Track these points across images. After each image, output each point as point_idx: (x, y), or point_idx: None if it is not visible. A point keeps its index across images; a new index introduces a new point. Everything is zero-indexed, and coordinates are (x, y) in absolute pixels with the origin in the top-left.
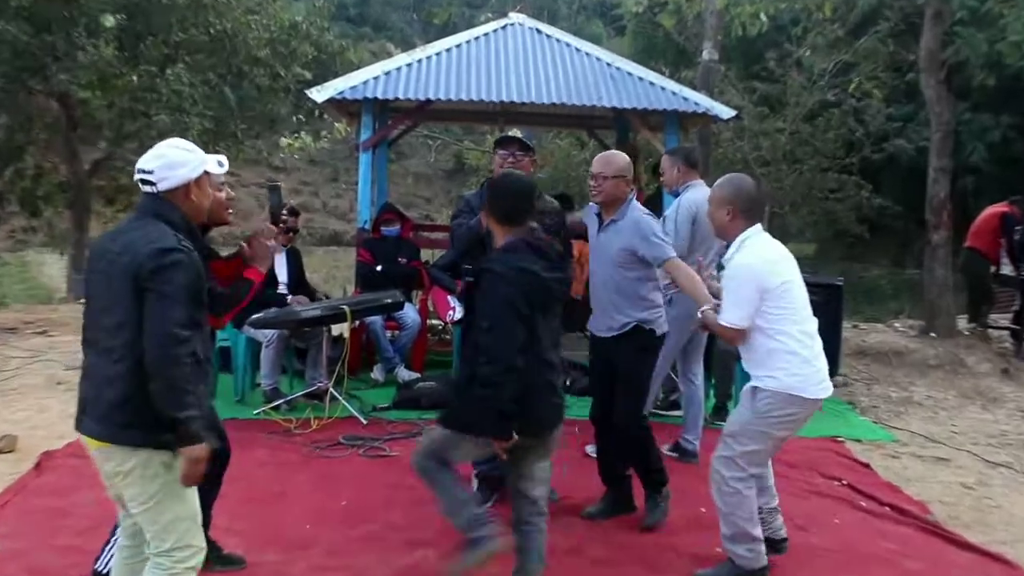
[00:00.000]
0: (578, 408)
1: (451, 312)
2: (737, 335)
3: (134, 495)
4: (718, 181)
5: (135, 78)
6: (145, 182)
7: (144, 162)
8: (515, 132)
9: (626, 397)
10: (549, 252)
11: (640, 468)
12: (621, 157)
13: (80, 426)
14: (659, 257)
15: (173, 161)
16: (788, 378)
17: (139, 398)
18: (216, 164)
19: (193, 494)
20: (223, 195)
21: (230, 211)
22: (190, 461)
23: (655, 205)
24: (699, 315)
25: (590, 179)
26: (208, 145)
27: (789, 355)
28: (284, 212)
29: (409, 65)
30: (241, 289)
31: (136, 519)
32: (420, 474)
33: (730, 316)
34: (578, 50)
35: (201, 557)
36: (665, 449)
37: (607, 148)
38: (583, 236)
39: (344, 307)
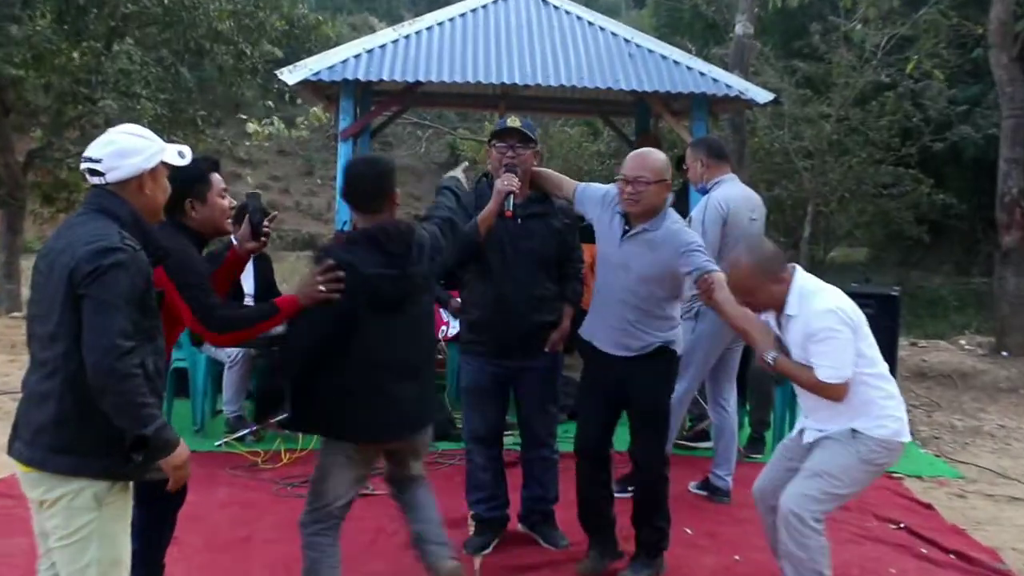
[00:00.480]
0: None
1: (444, 327)
2: (844, 390)
3: (56, 527)
4: (738, 258)
5: (77, 56)
6: (93, 172)
7: (92, 150)
8: (514, 121)
9: (651, 432)
10: (393, 248)
11: (644, 522)
12: (660, 157)
13: (10, 448)
14: (702, 268)
15: (125, 149)
16: (895, 424)
17: (75, 419)
18: (176, 154)
19: (124, 540)
20: (227, 203)
21: (230, 220)
22: (175, 468)
23: (681, 203)
24: (769, 362)
25: (623, 184)
26: (162, 133)
27: (888, 400)
28: (266, 224)
29: (395, 41)
30: (262, 313)
31: (54, 558)
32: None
33: (839, 372)
34: (591, 24)
35: None
36: (692, 487)
37: (624, 137)
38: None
39: None
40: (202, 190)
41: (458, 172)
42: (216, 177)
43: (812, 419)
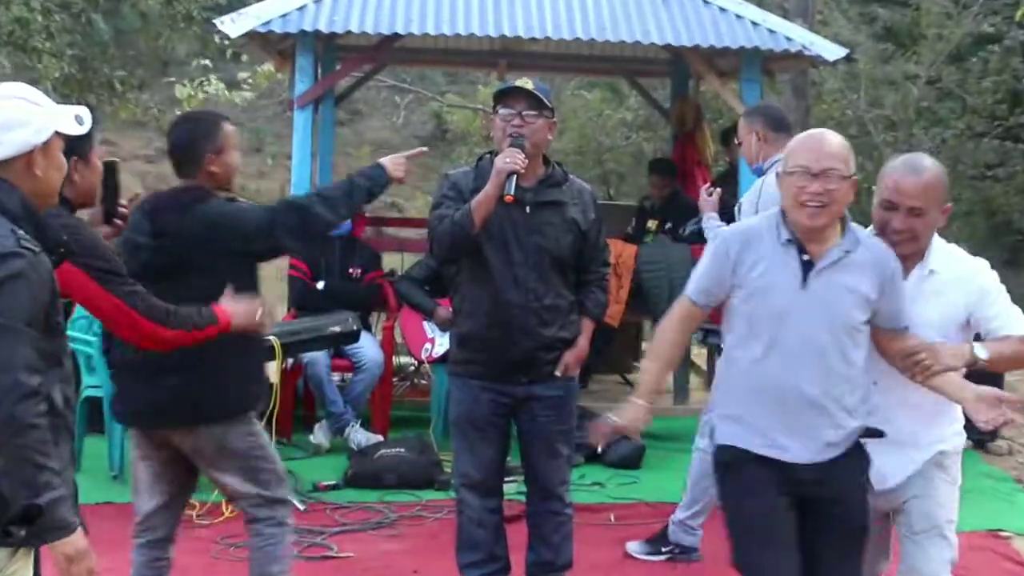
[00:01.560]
0: (616, 487)
1: (428, 345)
2: None
3: None
4: (920, 162)
5: None
6: None
7: None
8: (524, 82)
9: (855, 556)
10: (161, 216)
11: None
12: (844, 141)
13: None
14: (903, 319)
15: (8, 119)
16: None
17: None
18: (73, 120)
19: None
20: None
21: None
22: (68, 559)
23: (731, 188)
24: (981, 357)
25: (805, 181)
26: (70, 98)
27: None
28: (124, 204)
29: None
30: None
31: None
32: None
33: None
34: None
35: None
36: None
37: (655, 103)
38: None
39: (271, 339)
40: (85, 148)
41: (388, 161)
42: (96, 133)
43: (899, 439)
